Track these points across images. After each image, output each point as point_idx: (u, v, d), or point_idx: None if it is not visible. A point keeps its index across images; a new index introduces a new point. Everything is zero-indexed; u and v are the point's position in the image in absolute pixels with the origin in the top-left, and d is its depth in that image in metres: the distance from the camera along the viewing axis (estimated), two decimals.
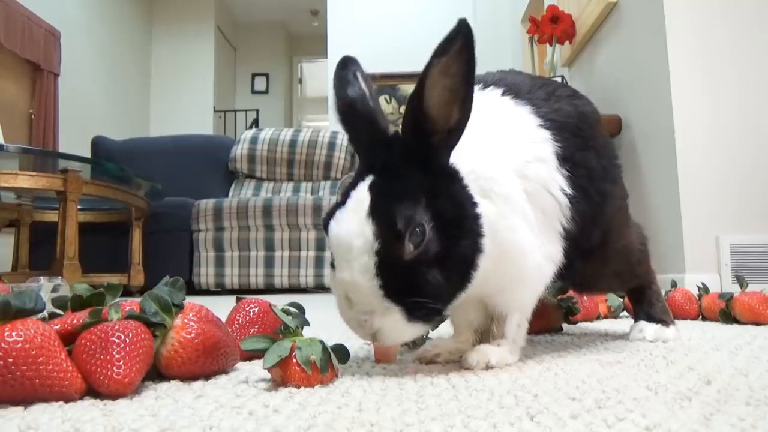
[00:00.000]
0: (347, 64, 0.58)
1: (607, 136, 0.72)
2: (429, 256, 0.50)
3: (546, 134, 0.61)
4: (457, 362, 0.60)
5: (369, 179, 0.51)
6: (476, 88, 0.66)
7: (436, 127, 0.51)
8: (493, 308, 0.62)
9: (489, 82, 0.66)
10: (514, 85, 0.65)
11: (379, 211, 0.49)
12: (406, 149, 0.52)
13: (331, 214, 0.52)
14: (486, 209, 0.53)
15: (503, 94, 0.63)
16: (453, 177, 0.53)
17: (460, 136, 0.52)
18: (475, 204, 0.52)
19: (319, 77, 8.71)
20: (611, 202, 0.68)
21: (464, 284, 0.53)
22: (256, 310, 0.66)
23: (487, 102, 0.63)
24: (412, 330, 0.51)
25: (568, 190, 0.60)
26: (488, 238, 0.53)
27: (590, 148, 0.65)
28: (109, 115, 5.98)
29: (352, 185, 0.52)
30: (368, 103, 0.55)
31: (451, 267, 0.51)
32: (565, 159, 0.61)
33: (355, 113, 0.55)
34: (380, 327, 0.50)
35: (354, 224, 0.49)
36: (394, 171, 0.51)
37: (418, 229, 0.49)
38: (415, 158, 0.52)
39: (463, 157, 0.54)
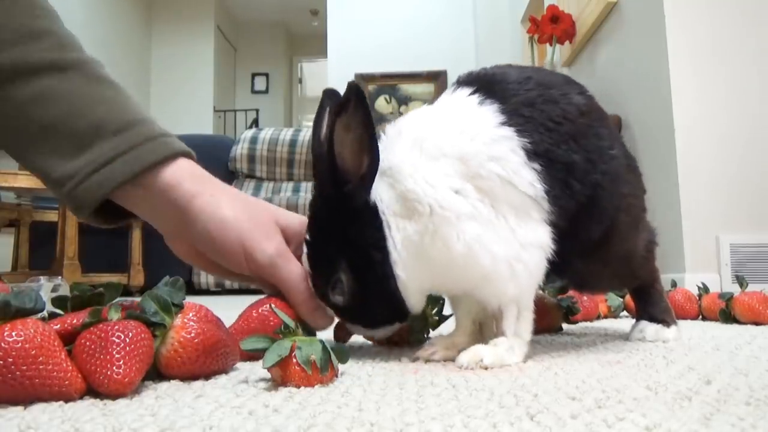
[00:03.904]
0: (322, 102, 0.64)
1: (601, 127, 0.67)
2: (356, 299, 0.60)
3: (507, 131, 0.59)
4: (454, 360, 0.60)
5: (307, 233, 0.62)
6: (450, 89, 0.66)
7: (349, 176, 0.57)
8: (485, 304, 0.61)
9: (464, 81, 0.66)
10: (489, 82, 0.64)
11: (311, 268, 0.61)
12: (327, 199, 0.59)
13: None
14: (407, 231, 0.58)
15: (471, 93, 0.63)
16: (369, 218, 0.59)
17: (373, 178, 0.58)
18: (383, 240, 0.58)
19: (319, 77, 8.71)
20: (607, 196, 0.65)
21: (398, 308, 0.61)
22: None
23: (450, 106, 0.63)
24: (383, 331, 0.64)
25: (539, 185, 0.59)
26: (412, 259, 0.58)
27: (569, 142, 0.61)
28: None
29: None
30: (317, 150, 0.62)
31: (376, 303, 0.60)
32: (536, 154, 0.59)
33: (312, 155, 0.64)
34: (361, 335, 0.67)
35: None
36: (319, 226, 0.61)
37: (337, 284, 0.59)
38: (335, 206, 0.59)
39: (402, 176, 0.58)
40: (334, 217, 0.59)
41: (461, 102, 0.63)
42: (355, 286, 0.59)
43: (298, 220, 0.66)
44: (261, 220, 0.62)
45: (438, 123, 0.61)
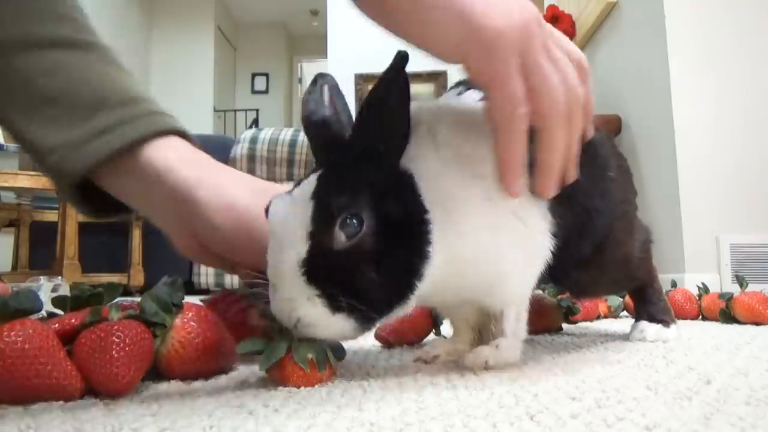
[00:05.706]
0: (316, 81, 0.58)
1: (601, 146, 0.67)
2: (364, 252, 0.47)
3: None
4: (456, 362, 0.60)
5: (319, 171, 0.50)
6: (455, 90, 0.64)
7: (382, 140, 0.51)
8: (487, 308, 0.61)
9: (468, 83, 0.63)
10: None
11: (319, 195, 0.48)
12: (359, 149, 0.51)
13: (275, 199, 0.51)
14: (442, 217, 0.51)
15: (482, 98, 0.59)
16: (405, 181, 0.51)
17: (405, 143, 0.52)
18: (424, 210, 0.50)
19: None
20: (602, 218, 0.65)
21: (405, 292, 0.50)
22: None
23: (462, 107, 0.60)
24: (336, 325, 0.47)
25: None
26: (441, 245, 0.50)
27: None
28: None
29: (304, 177, 0.52)
30: (324, 111, 0.55)
31: (389, 270, 0.48)
32: None
33: (311, 122, 0.55)
34: (300, 316, 0.47)
35: (294, 206, 0.48)
36: (344, 165, 0.51)
37: (353, 220, 0.47)
38: (368, 157, 0.50)
39: (429, 168, 0.53)
40: (364, 164, 0.50)
41: (473, 105, 0.59)
42: (373, 236, 0.47)
43: None
44: None
45: (457, 121, 0.57)
